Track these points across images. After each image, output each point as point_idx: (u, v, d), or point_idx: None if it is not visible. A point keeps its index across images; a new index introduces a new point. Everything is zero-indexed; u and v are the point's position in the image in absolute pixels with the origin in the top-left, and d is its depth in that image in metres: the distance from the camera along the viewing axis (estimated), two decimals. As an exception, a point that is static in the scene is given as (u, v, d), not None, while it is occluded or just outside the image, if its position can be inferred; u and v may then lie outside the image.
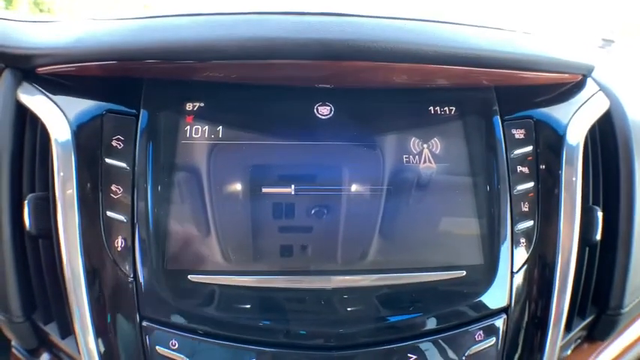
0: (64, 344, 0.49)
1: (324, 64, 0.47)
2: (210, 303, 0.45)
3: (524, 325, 0.50)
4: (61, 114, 0.47)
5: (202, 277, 0.46)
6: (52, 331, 0.50)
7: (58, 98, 0.48)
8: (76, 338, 0.46)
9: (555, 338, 0.49)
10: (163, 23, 0.48)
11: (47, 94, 0.48)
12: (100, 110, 0.48)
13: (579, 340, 0.58)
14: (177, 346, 0.45)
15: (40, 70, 0.50)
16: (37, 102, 0.48)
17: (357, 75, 0.49)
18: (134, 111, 0.49)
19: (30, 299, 0.49)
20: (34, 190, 0.48)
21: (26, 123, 0.50)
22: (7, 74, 0.50)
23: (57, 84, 0.50)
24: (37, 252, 0.48)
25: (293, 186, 0.47)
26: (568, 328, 0.54)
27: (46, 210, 0.47)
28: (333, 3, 0.53)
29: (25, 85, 0.50)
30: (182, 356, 0.44)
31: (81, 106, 0.48)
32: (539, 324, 0.50)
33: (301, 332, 0.45)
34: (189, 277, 0.45)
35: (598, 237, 0.52)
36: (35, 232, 0.47)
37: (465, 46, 0.47)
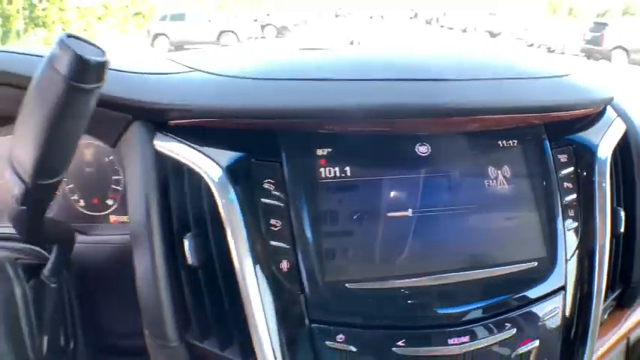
0: (223, 355, 0.56)
1: (428, 121, 0.62)
2: (365, 303, 0.57)
3: (577, 298, 0.65)
4: (210, 159, 0.54)
5: (357, 285, 0.56)
6: (210, 346, 0.56)
7: (198, 146, 0.54)
8: (254, 350, 0.54)
9: (598, 306, 0.64)
10: (295, 86, 0.59)
11: (186, 142, 0.55)
12: (246, 157, 0.56)
13: (611, 308, 0.75)
14: (343, 338, 0.55)
15: (173, 122, 0.56)
16: (179, 150, 0.54)
17: (449, 125, 0.64)
18: (277, 158, 0.57)
19: (183, 322, 0.55)
20: (185, 228, 0.55)
21: (167, 170, 0.55)
22: (138, 126, 0.55)
23: (191, 132, 0.56)
24: (195, 280, 0.56)
25: (410, 210, 0.60)
26: (604, 298, 0.70)
27: (202, 244, 0.55)
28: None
29: (160, 135, 0.55)
30: (348, 345, 0.55)
31: (226, 152, 0.55)
32: (586, 296, 0.65)
33: (438, 313, 0.58)
34: (346, 285, 0.56)
35: (622, 230, 0.69)
36: (197, 264, 0.54)
37: (529, 100, 0.64)
